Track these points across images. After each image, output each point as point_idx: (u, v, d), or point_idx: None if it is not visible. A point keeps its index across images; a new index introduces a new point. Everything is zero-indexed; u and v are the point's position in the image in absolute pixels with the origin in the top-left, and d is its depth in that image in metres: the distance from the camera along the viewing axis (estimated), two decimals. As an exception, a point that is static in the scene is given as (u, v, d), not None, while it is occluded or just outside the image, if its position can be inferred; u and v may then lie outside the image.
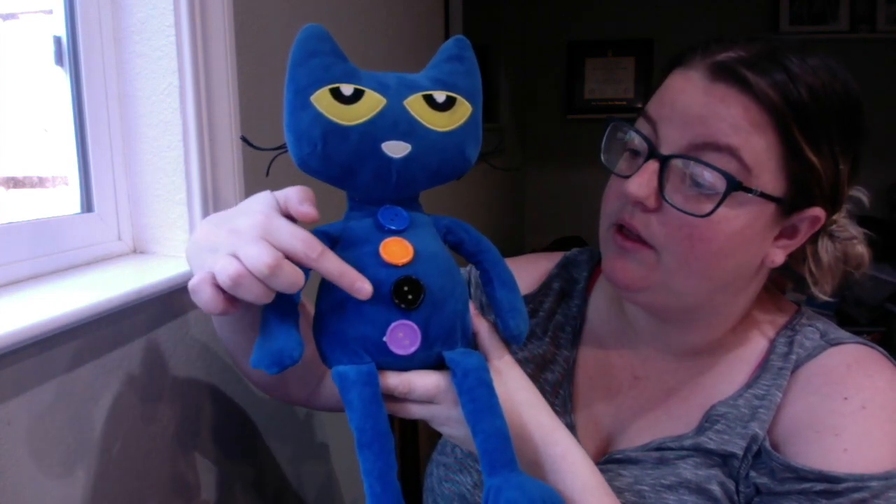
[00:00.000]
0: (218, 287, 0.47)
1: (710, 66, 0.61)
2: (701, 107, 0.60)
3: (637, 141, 0.64)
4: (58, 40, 0.73)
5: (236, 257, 0.46)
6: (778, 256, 0.65)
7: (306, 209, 0.51)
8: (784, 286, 0.76)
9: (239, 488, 0.89)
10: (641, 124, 0.65)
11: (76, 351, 0.61)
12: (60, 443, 0.60)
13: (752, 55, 0.61)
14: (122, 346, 0.67)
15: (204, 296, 0.47)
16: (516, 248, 3.40)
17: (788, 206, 0.62)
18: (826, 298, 0.68)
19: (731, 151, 0.59)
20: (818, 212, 0.63)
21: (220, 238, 0.48)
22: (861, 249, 0.68)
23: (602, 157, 0.68)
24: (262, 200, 0.51)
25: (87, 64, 0.74)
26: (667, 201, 0.60)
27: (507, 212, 3.17)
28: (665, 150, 0.61)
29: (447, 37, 0.56)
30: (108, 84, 0.77)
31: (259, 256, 0.45)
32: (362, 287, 0.49)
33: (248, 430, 0.91)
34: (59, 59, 0.73)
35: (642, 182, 0.61)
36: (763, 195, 0.60)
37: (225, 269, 0.46)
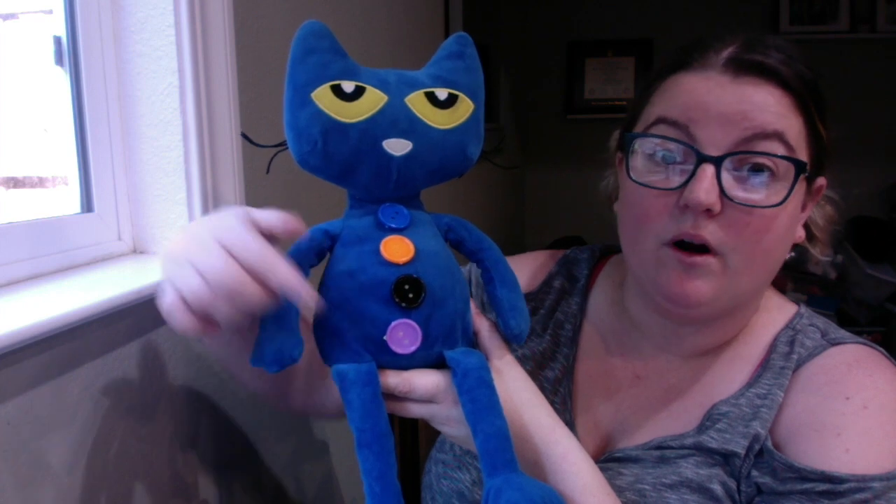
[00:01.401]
0: (189, 308, 0.46)
1: (729, 63, 0.61)
2: (737, 102, 0.60)
3: (672, 148, 0.62)
4: (58, 40, 0.73)
5: (196, 269, 0.45)
6: (801, 231, 0.67)
7: (281, 222, 0.48)
8: (784, 286, 0.76)
9: (238, 488, 0.89)
10: (667, 131, 0.62)
11: (76, 351, 0.61)
12: (60, 443, 0.60)
13: (751, 46, 0.62)
14: (122, 346, 0.67)
15: (178, 320, 0.46)
16: (516, 248, 3.39)
17: (811, 180, 0.64)
18: (828, 258, 0.71)
19: (778, 137, 0.60)
20: (822, 181, 0.67)
21: (181, 247, 0.47)
22: (830, 208, 0.71)
23: (632, 175, 0.64)
24: (231, 211, 0.49)
25: (87, 64, 0.74)
26: (734, 202, 0.59)
27: (506, 212, 3.17)
28: (712, 151, 0.60)
29: (447, 37, 0.56)
30: (108, 84, 0.77)
31: (215, 267, 0.44)
32: (307, 298, 0.48)
33: (248, 431, 0.91)
34: (59, 59, 0.73)
35: (708, 188, 0.58)
36: (810, 175, 0.62)
37: (187, 284, 0.45)
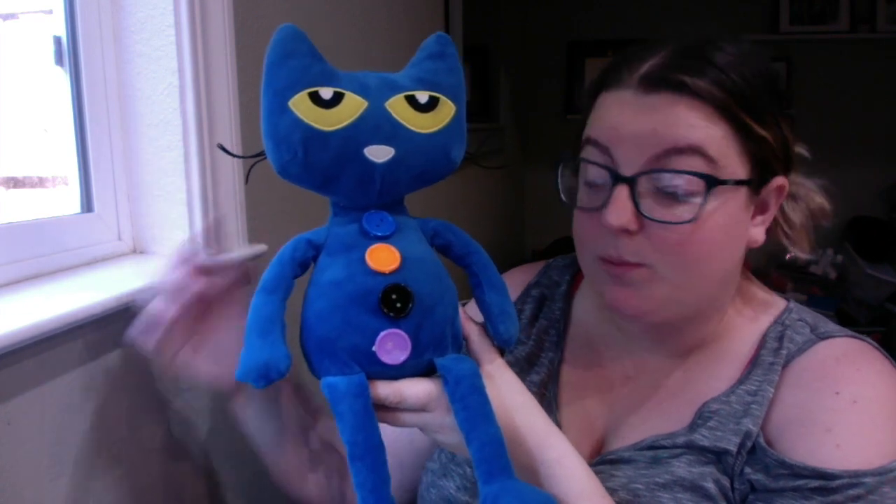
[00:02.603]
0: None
1: (640, 81, 0.61)
2: (647, 121, 0.60)
3: (594, 170, 0.63)
4: (58, 40, 0.73)
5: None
6: (759, 235, 0.66)
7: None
8: (784, 286, 0.76)
9: (237, 489, 0.89)
10: (592, 153, 0.63)
11: (76, 351, 0.61)
12: (60, 443, 0.60)
13: (677, 58, 0.62)
14: (122, 346, 0.67)
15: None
16: (517, 248, 3.39)
17: (756, 184, 0.63)
18: (807, 257, 0.70)
19: (694, 150, 0.59)
20: (781, 180, 0.65)
21: None
22: (819, 199, 0.70)
23: (562, 197, 0.67)
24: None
25: (87, 64, 0.74)
26: (649, 218, 0.60)
27: (507, 212, 3.17)
28: (627, 171, 0.60)
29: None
30: (108, 84, 0.77)
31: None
32: None
33: (248, 430, 0.91)
34: (59, 59, 0.73)
35: (619, 209, 0.59)
36: (736, 182, 0.61)
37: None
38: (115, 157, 0.78)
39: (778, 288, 0.74)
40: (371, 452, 0.48)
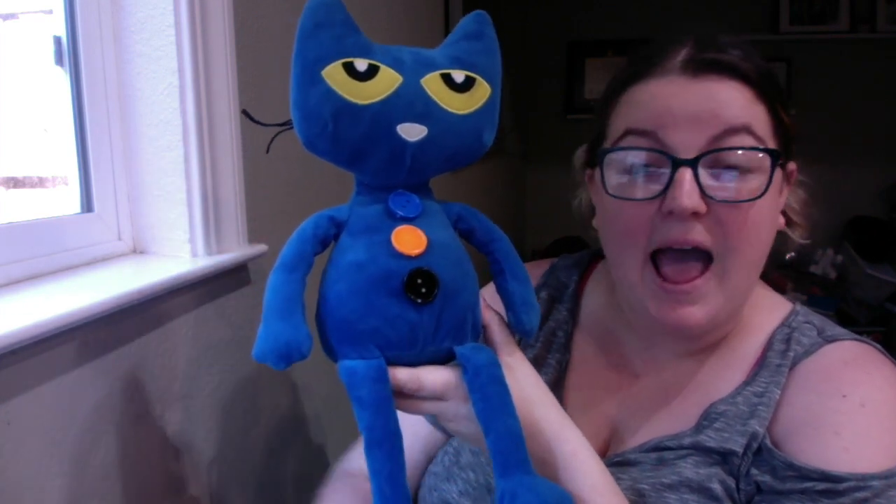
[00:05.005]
0: None
1: (686, 65, 0.62)
2: (703, 102, 0.60)
3: (645, 158, 0.62)
4: (58, 40, 0.73)
5: None
6: (781, 218, 0.68)
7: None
8: (784, 286, 0.76)
9: (238, 488, 0.89)
10: (637, 141, 0.62)
11: (76, 351, 0.61)
12: (60, 443, 0.60)
13: (705, 44, 0.63)
14: (122, 346, 0.67)
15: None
16: (517, 248, 3.38)
17: (784, 166, 0.65)
18: (806, 241, 0.72)
19: (747, 130, 0.60)
20: (793, 165, 0.67)
21: None
22: (802, 192, 0.72)
23: (609, 190, 0.64)
24: None
25: (87, 64, 0.74)
26: (716, 200, 0.60)
27: (507, 212, 3.17)
28: (685, 154, 0.60)
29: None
30: (108, 84, 0.77)
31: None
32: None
33: (248, 431, 0.91)
34: (59, 59, 0.73)
35: (690, 191, 0.59)
36: (782, 162, 0.63)
37: None
38: (115, 157, 0.78)
39: (778, 288, 0.73)
40: (389, 438, 0.47)
